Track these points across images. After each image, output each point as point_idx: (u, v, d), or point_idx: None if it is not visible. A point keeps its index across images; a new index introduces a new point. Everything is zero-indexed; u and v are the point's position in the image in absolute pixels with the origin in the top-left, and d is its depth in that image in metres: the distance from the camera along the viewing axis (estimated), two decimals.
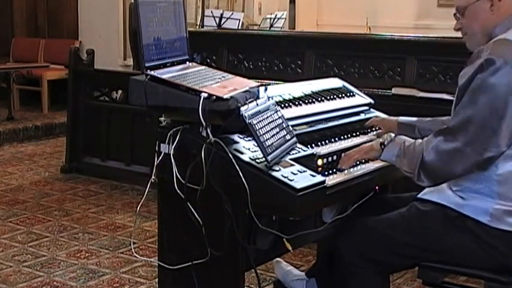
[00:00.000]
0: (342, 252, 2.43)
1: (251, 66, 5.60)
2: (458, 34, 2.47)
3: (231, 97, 2.27)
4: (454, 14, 2.42)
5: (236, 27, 8.06)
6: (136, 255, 3.90)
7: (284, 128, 2.40)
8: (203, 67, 2.60)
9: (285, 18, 9.35)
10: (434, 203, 2.36)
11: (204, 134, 2.30)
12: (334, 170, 2.44)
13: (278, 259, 2.97)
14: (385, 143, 2.40)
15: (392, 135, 2.43)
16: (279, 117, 2.42)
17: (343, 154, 2.48)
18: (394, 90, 4.54)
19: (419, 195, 2.44)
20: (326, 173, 2.40)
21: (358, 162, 2.50)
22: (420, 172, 2.28)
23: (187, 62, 2.57)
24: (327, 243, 2.85)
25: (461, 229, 2.30)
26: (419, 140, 2.33)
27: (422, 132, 2.73)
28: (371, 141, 2.70)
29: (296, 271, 2.96)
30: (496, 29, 2.32)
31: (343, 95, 3.01)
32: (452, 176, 2.29)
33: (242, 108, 2.28)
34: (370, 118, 2.90)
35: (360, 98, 3.07)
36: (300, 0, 10.61)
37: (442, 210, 2.33)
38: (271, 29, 8.74)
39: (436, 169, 2.26)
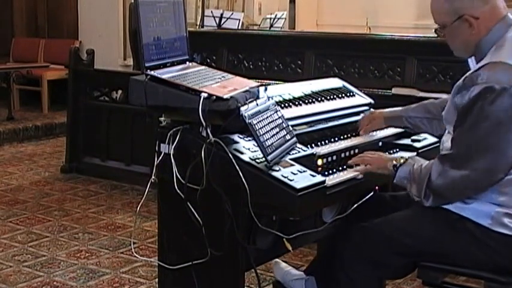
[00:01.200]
0: (342, 254, 2.43)
1: (251, 66, 5.60)
2: None
3: (231, 97, 2.27)
4: (435, 30, 2.41)
5: (236, 27, 8.06)
6: (136, 255, 3.90)
7: (284, 128, 2.40)
8: (203, 67, 2.60)
9: (285, 18, 9.35)
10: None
11: (204, 134, 2.30)
12: (335, 170, 2.44)
13: (277, 260, 2.97)
14: (398, 165, 2.39)
15: (406, 156, 2.42)
16: (279, 117, 2.41)
17: (361, 154, 2.51)
18: (394, 90, 4.55)
19: None
20: (326, 173, 2.40)
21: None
22: (429, 197, 2.29)
23: (187, 62, 2.57)
24: (327, 243, 2.85)
25: (461, 232, 2.30)
26: (426, 163, 2.33)
27: (410, 120, 2.74)
28: (369, 143, 2.72)
29: (295, 271, 2.96)
30: (481, 42, 2.31)
31: (343, 95, 3.01)
32: (462, 199, 2.30)
33: (242, 108, 2.27)
34: None
35: (360, 98, 3.07)
36: (300, 0, 10.61)
37: (442, 212, 2.32)
38: (271, 29, 8.74)
39: (448, 195, 2.29)
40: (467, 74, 2.27)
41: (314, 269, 2.87)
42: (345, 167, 2.49)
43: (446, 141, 2.37)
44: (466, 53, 2.39)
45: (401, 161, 2.40)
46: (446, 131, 2.40)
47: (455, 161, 2.24)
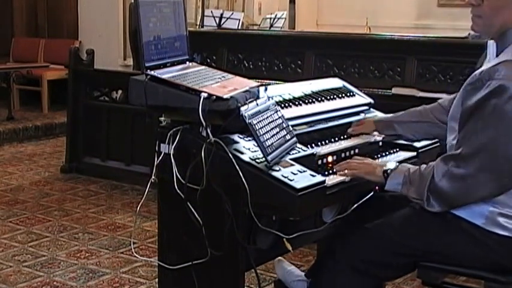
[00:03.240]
0: (341, 255, 2.42)
1: (251, 66, 5.61)
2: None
3: (231, 97, 2.27)
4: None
5: (236, 27, 8.06)
6: (136, 255, 3.90)
7: (284, 128, 2.39)
8: (203, 67, 2.59)
9: (285, 18, 9.34)
10: None
11: (204, 134, 2.30)
12: (334, 170, 2.44)
13: (280, 258, 2.96)
14: (388, 171, 2.34)
15: (396, 163, 2.37)
16: (279, 117, 2.41)
17: (349, 160, 2.46)
18: (394, 90, 4.55)
19: None
20: (326, 173, 2.40)
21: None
22: (430, 197, 2.24)
23: (187, 62, 2.57)
24: (327, 243, 2.84)
25: (456, 231, 2.29)
26: (424, 166, 2.29)
27: (403, 125, 2.71)
28: (370, 143, 2.71)
29: (297, 271, 2.95)
30: (508, 30, 2.20)
31: (343, 95, 3.01)
32: (469, 202, 2.24)
33: (242, 108, 2.27)
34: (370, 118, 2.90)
35: (360, 98, 3.07)
36: (300, 0, 10.61)
37: (438, 212, 2.31)
38: (271, 29, 8.74)
39: (451, 196, 2.22)
40: (484, 68, 2.19)
41: (314, 271, 2.86)
42: (334, 170, 2.48)
43: (453, 140, 2.32)
44: (494, 33, 2.24)
45: (391, 166, 2.35)
46: (449, 131, 2.37)
47: (461, 160, 2.18)
